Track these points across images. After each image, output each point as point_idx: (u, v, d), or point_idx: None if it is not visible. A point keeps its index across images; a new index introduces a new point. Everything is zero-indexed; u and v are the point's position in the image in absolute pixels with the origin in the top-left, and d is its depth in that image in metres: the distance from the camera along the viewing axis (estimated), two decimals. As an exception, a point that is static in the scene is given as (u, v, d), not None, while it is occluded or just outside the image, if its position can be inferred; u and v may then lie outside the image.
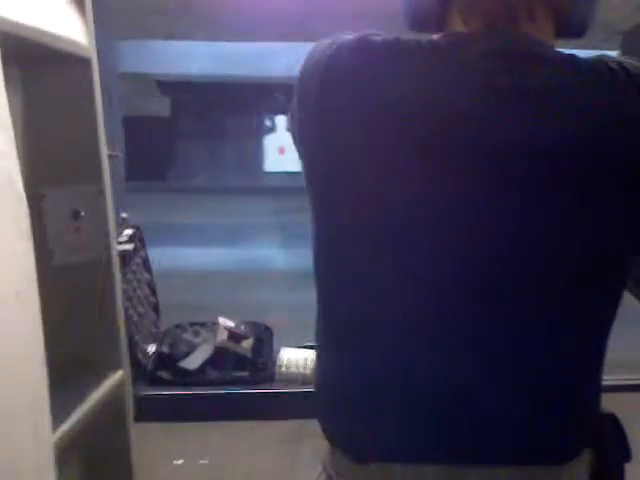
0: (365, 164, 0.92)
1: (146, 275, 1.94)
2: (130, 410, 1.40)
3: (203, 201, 11.93)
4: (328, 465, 1.07)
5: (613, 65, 0.91)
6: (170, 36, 5.54)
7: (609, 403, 1.07)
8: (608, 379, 1.04)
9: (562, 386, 0.98)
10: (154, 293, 1.99)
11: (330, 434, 1.06)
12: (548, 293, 0.92)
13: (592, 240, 0.91)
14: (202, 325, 1.98)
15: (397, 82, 0.90)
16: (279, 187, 13.35)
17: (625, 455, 1.07)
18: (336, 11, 4.51)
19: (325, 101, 0.94)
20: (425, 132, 0.88)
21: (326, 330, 1.05)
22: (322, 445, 1.08)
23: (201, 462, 1.72)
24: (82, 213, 1.23)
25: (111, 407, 1.33)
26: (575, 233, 0.90)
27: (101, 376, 1.30)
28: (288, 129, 1.07)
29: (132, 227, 1.84)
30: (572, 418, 1.00)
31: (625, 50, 2.12)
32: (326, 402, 1.07)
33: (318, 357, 1.08)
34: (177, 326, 1.99)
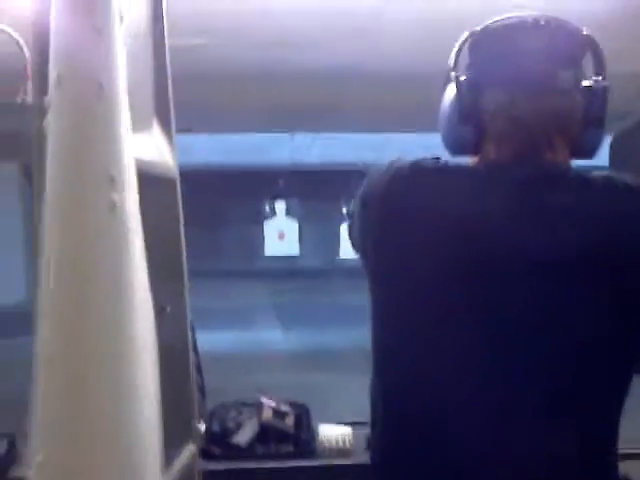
0: (419, 270, 1.12)
1: (195, 358, 2.13)
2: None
3: (205, 285, 11.99)
4: None
5: (618, 181, 1.13)
6: (179, 131, 5.74)
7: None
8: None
9: (582, 451, 1.14)
10: (201, 375, 2.18)
11: None
12: (572, 369, 1.11)
13: (608, 319, 1.11)
14: (244, 404, 2.17)
15: (447, 204, 1.11)
16: (278, 270, 13.46)
17: None
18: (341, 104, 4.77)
19: (385, 218, 1.15)
20: (473, 245, 1.09)
21: (383, 402, 1.21)
22: None
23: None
24: (167, 308, 1.43)
25: (185, 477, 1.49)
26: (600, 316, 1.10)
27: (179, 449, 1.47)
28: (349, 236, 1.28)
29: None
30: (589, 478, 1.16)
31: (613, 152, 2.37)
32: (385, 466, 1.22)
33: (376, 426, 1.24)
34: (221, 405, 2.18)
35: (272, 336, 8.95)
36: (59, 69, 0.76)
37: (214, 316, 9.83)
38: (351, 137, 7.78)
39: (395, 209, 1.14)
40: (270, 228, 13.63)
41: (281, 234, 13.41)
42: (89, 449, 0.79)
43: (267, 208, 13.90)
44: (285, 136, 8.84)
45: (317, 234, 12.80)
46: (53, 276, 0.77)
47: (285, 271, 13.14)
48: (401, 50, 2.05)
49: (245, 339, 8.65)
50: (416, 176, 1.15)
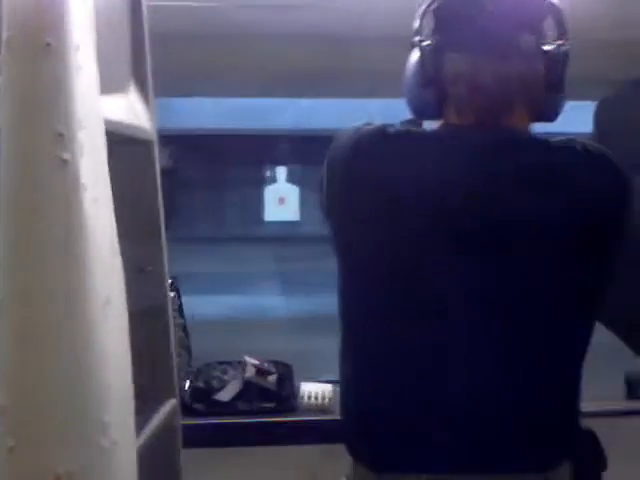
0: (382, 235, 1.15)
1: (180, 320, 2.19)
2: (180, 434, 1.61)
3: (205, 250, 12.02)
4: (351, 477, 1.26)
5: (578, 147, 1.15)
6: (182, 94, 5.72)
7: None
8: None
9: (547, 406, 1.19)
10: (187, 335, 2.24)
11: (353, 449, 1.25)
12: (535, 328, 1.15)
13: (573, 280, 1.15)
14: (229, 364, 2.22)
15: (409, 169, 1.13)
16: (279, 236, 13.47)
17: (602, 465, 1.28)
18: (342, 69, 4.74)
19: (349, 183, 1.17)
20: (435, 210, 1.12)
21: (350, 363, 1.26)
22: (345, 460, 1.26)
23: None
24: (148, 268, 1.48)
25: (166, 432, 1.52)
26: (561, 275, 1.14)
27: (159, 403, 1.52)
28: (319, 202, 1.30)
29: (170, 278, 2.08)
30: (556, 432, 1.20)
31: (598, 117, 2.38)
32: (351, 423, 1.27)
33: (343, 385, 1.29)
34: (207, 365, 2.23)
35: (271, 301, 9.01)
36: (9, 30, 0.78)
37: (212, 281, 9.91)
38: (354, 102, 7.76)
39: (359, 174, 1.16)
40: (271, 194, 13.66)
41: (281, 199, 13.46)
42: (45, 396, 0.83)
43: (268, 173, 13.92)
44: (287, 101, 8.82)
45: (318, 200, 12.73)
46: (3, 231, 0.80)
47: (286, 237, 13.19)
48: (406, 12, 2.05)
49: (245, 304, 8.71)
50: (379, 141, 1.16)
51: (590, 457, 1.27)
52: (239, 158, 12.97)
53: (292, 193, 13.16)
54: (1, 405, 0.81)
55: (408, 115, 1.26)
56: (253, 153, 12.55)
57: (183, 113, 8.97)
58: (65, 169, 0.82)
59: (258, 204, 13.34)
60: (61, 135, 0.81)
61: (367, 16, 3.28)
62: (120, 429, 0.99)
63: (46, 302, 0.82)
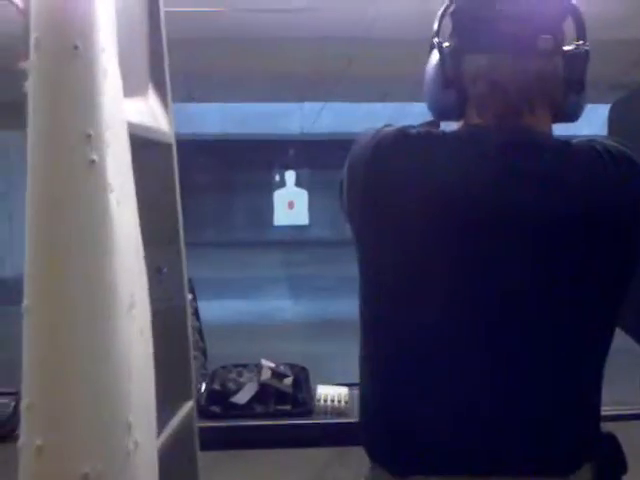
0: (404, 236, 1.14)
1: (196, 323, 2.19)
2: (197, 435, 1.62)
3: (214, 254, 12.07)
4: (369, 479, 1.25)
5: (599, 148, 1.15)
6: (191, 99, 5.76)
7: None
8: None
9: (568, 410, 1.18)
10: (202, 339, 2.24)
11: (372, 452, 1.24)
12: (557, 329, 1.14)
13: (596, 282, 1.14)
14: (245, 366, 2.23)
15: (430, 170, 1.13)
16: (288, 240, 13.51)
17: (622, 468, 1.25)
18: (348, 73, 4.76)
19: (370, 185, 1.16)
20: (456, 210, 1.11)
21: (369, 366, 1.25)
22: (362, 463, 1.25)
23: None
24: (164, 269, 1.48)
25: (183, 434, 1.54)
26: (584, 277, 1.13)
27: (176, 405, 1.53)
28: (340, 204, 1.28)
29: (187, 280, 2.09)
30: (576, 436, 1.19)
31: (612, 119, 2.38)
32: (369, 425, 1.26)
33: (362, 387, 1.27)
34: (223, 367, 2.24)
35: (280, 305, 9.02)
36: (37, 32, 0.79)
37: (222, 286, 9.93)
38: (362, 106, 7.77)
39: (380, 176, 1.15)
40: (280, 198, 13.71)
41: (290, 203, 13.50)
42: (73, 395, 0.84)
43: (277, 178, 13.97)
44: (295, 106, 8.86)
45: (327, 204, 12.78)
46: (32, 232, 0.81)
47: (295, 241, 13.21)
48: (412, 15, 2.05)
49: (254, 309, 8.72)
50: (400, 142, 1.16)
51: (611, 460, 1.25)
52: (248, 163, 13.03)
53: (301, 197, 13.22)
54: (30, 404, 0.81)
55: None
56: (262, 157, 12.60)
57: (190, 119, 9.05)
58: (93, 170, 0.83)
59: (267, 208, 13.41)
60: (89, 136, 0.82)
61: (375, 20, 3.30)
62: (143, 430, 1.00)
63: (73, 303, 0.83)
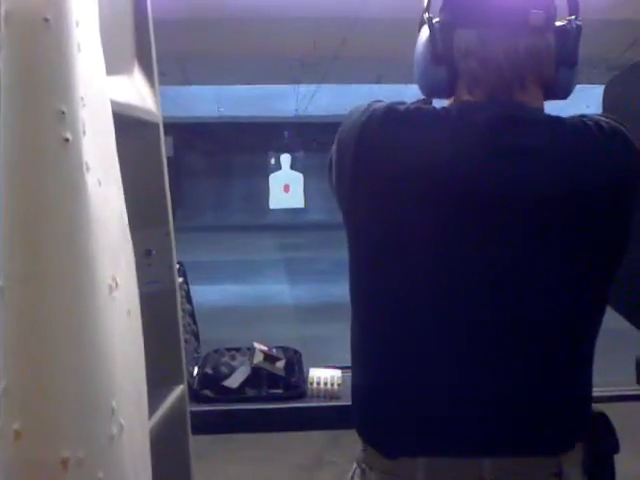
0: (393, 212, 1.13)
1: (188, 306, 2.18)
2: (189, 419, 1.60)
3: (210, 238, 12.07)
4: (362, 461, 1.24)
5: (591, 123, 1.13)
6: (185, 82, 5.74)
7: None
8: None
9: (559, 390, 1.17)
10: (195, 322, 2.23)
11: (364, 434, 1.23)
12: (547, 311, 1.13)
13: (585, 260, 1.12)
14: (237, 350, 2.22)
15: (419, 145, 1.11)
16: (283, 224, 13.51)
17: (614, 447, 1.25)
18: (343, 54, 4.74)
19: (359, 160, 1.15)
20: (446, 185, 1.10)
21: (362, 347, 1.24)
22: (355, 446, 1.25)
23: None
24: (153, 252, 1.46)
25: (175, 418, 1.52)
26: (573, 254, 1.12)
27: (167, 389, 1.51)
28: (328, 181, 1.27)
29: (177, 263, 2.07)
30: (568, 416, 1.19)
31: (606, 98, 2.36)
32: (361, 407, 1.25)
33: (354, 370, 1.26)
34: (215, 351, 2.23)
35: (277, 289, 9.03)
36: (7, 4, 0.76)
37: (219, 269, 9.93)
38: (357, 88, 7.74)
39: (370, 149, 1.14)
40: (275, 181, 13.69)
41: (286, 187, 13.49)
42: (50, 378, 0.82)
43: (272, 161, 13.94)
44: (290, 88, 8.81)
45: (322, 187, 12.75)
46: (5, 212, 0.78)
47: (290, 224, 13.21)
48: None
49: (251, 293, 8.74)
50: (390, 117, 1.14)
51: (603, 440, 1.25)
52: (243, 146, 13.00)
53: (296, 180, 13.21)
54: (5, 388, 0.79)
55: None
56: (257, 140, 12.58)
57: (185, 101, 9.00)
58: (67, 148, 0.80)
59: (263, 192, 13.40)
60: (63, 113, 0.79)
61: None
62: (130, 414, 0.98)
63: (49, 284, 0.81)
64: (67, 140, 0.80)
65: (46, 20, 0.77)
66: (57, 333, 0.81)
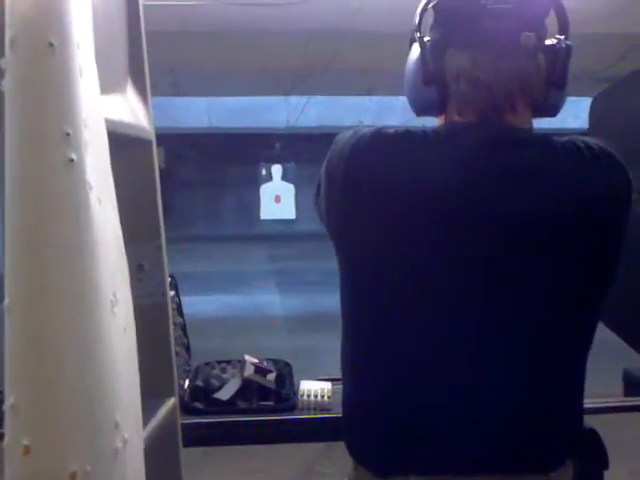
0: (383, 236, 1.13)
1: (179, 319, 2.19)
2: (180, 432, 1.61)
3: (201, 249, 12.05)
4: (353, 478, 1.24)
5: (580, 144, 1.14)
6: (177, 93, 5.75)
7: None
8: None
9: (551, 407, 1.17)
10: (186, 335, 2.24)
11: (355, 451, 1.23)
12: (539, 327, 1.14)
13: (576, 278, 1.13)
14: (228, 362, 2.23)
15: (409, 167, 1.12)
16: (274, 234, 13.50)
17: (604, 464, 1.25)
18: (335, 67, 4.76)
19: (349, 185, 1.15)
20: (436, 207, 1.11)
21: (352, 362, 1.24)
22: (345, 458, 1.24)
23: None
24: (145, 266, 1.48)
25: (166, 430, 1.53)
26: (564, 273, 1.13)
27: (158, 402, 1.52)
28: (315, 204, 1.27)
29: (169, 277, 2.08)
30: (560, 433, 1.18)
31: (593, 112, 2.39)
32: (352, 424, 1.25)
33: (345, 386, 1.27)
34: (206, 363, 2.24)
35: (268, 300, 9.02)
36: (12, 30, 0.78)
37: (210, 280, 9.91)
38: (348, 99, 7.76)
39: (358, 173, 1.14)
40: (266, 192, 13.68)
41: (277, 198, 13.48)
42: (58, 394, 0.83)
43: (263, 172, 13.93)
44: (281, 99, 8.82)
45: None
46: (11, 232, 0.80)
47: (281, 235, 13.20)
48: (396, 7, 2.04)
49: (242, 303, 8.72)
50: (379, 141, 1.15)
51: (592, 457, 1.26)
52: (234, 157, 13.00)
53: (288, 191, 13.22)
54: (14, 404, 0.81)
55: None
56: (248, 151, 12.58)
57: (176, 112, 9.01)
58: (72, 168, 0.82)
59: (254, 203, 13.40)
60: (67, 135, 0.81)
61: (359, 12, 3.29)
62: (130, 427, 1.00)
63: (55, 302, 0.82)
64: (72, 160, 0.82)
65: (51, 45, 0.79)
66: (63, 349, 0.83)
